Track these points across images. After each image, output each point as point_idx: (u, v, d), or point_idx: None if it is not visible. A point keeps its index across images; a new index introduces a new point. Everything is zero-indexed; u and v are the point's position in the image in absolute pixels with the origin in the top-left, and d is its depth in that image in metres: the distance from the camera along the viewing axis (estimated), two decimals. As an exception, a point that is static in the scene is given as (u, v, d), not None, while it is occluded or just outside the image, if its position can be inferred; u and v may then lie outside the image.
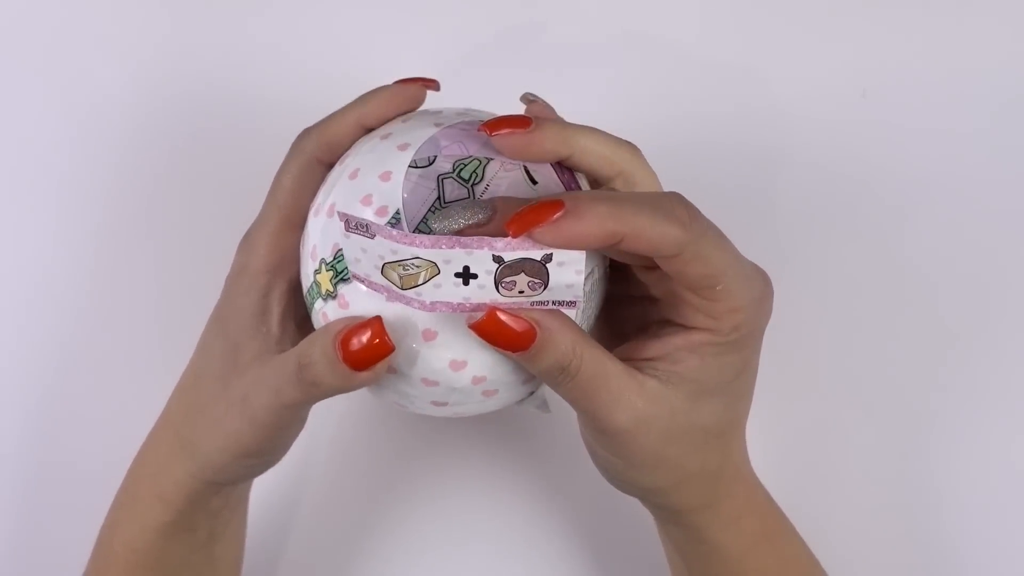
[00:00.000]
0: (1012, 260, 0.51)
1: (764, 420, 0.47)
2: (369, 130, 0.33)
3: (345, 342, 0.29)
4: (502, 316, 0.28)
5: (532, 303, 0.28)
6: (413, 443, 0.47)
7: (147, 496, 0.36)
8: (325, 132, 0.33)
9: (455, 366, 0.30)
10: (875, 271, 0.51)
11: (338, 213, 0.27)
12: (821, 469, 0.48)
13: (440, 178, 0.30)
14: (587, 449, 0.34)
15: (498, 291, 0.27)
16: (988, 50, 0.54)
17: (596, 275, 0.32)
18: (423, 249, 0.26)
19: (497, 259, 0.26)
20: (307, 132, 0.34)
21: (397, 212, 0.29)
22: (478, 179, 0.30)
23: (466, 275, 0.27)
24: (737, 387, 0.33)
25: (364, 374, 0.29)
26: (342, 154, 0.33)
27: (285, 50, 0.53)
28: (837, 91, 0.54)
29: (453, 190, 0.29)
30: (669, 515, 0.36)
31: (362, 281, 0.28)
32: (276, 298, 0.34)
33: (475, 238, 0.26)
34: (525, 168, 0.31)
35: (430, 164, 0.30)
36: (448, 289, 0.27)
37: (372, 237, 0.27)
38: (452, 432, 0.48)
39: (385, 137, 0.32)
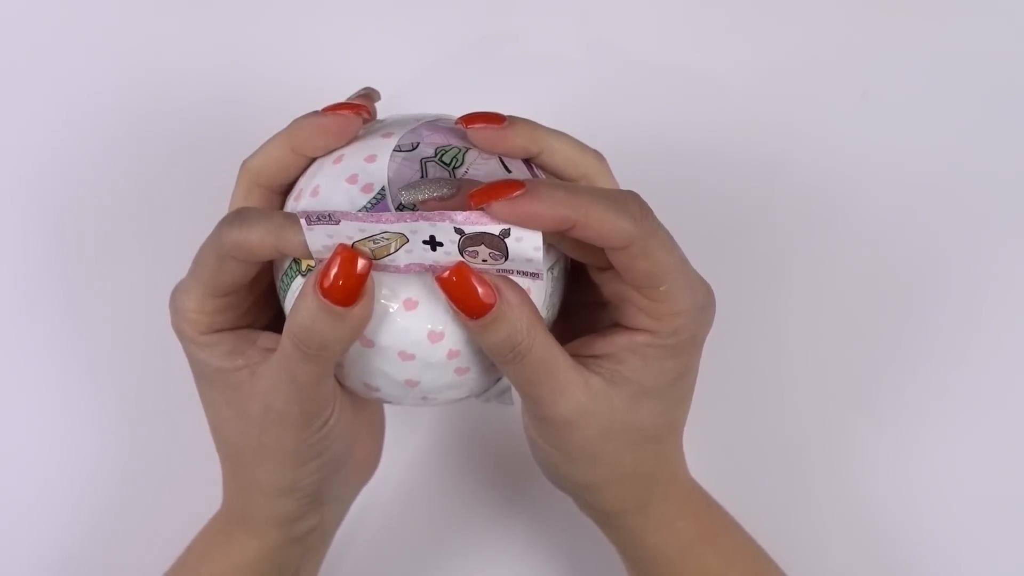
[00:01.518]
0: (1012, 260, 0.51)
1: (763, 419, 0.49)
2: (306, 157, 0.33)
3: (324, 283, 0.28)
4: (471, 274, 0.29)
5: (498, 270, 0.29)
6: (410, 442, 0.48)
7: (241, 536, 0.36)
8: (260, 156, 0.33)
9: (433, 337, 0.31)
10: (875, 271, 0.51)
11: (298, 213, 0.28)
12: (818, 470, 0.48)
13: (423, 161, 0.31)
14: (528, 440, 0.35)
15: (463, 257, 0.28)
16: (988, 50, 0.54)
17: (556, 272, 0.33)
18: (389, 224, 0.27)
19: (458, 231, 0.27)
20: (245, 160, 0.33)
21: (382, 189, 0.30)
22: (458, 164, 0.31)
23: (433, 243, 0.28)
24: (675, 393, 0.34)
25: (358, 308, 0.29)
26: (281, 179, 0.33)
27: (263, 56, 0.53)
28: (837, 91, 0.54)
29: (435, 172, 0.31)
30: (602, 516, 0.37)
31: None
32: (230, 340, 0.33)
33: (436, 212, 0.27)
34: (500, 159, 0.32)
35: (413, 149, 0.31)
36: (419, 253, 0.28)
37: (337, 223, 0.27)
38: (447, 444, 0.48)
39: (353, 150, 0.32)
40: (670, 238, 0.31)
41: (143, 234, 0.51)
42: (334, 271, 0.28)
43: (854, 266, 0.51)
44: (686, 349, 0.32)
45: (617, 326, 0.33)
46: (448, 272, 0.29)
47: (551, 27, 0.55)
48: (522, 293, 0.30)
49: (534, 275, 0.29)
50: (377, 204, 0.30)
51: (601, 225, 0.29)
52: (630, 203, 0.30)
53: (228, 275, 0.32)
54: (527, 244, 0.28)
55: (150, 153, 0.52)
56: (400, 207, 0.30)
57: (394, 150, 0.31)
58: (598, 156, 0.33)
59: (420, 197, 0.29)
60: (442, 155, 0.31)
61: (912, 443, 0.48)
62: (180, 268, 0.34)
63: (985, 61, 0.54)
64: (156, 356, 0.47)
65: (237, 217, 0.30)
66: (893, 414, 0.49)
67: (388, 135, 0.32)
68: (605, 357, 0.32)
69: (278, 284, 0.33)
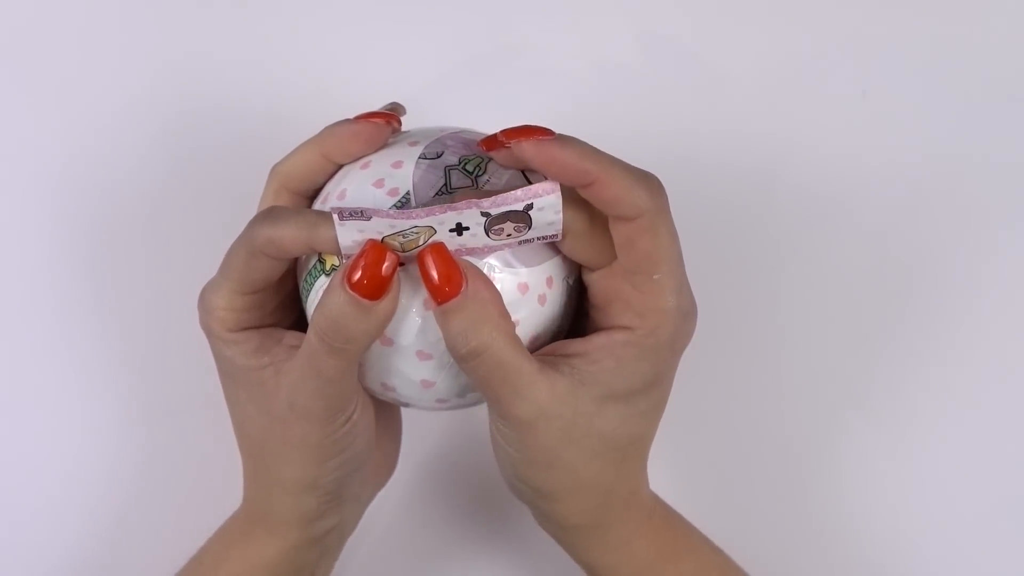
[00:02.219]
0: (1012, 259, 0.51)
1: (763, 419, 0.49)
2: (336, 164, 0.34)
3: (352, 277, 0.29)
4: (442, 254, 0.29)
5: (519, 242, 0.30)
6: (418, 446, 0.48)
7: (262, 535, 0.36)
8: (290, 161, 0.34)
9: None
10: (874, 271, 0.51)
11: (330, 208, 0.29)
12: (816, 474, 0.48)
13: (447, 169, 0.32)
14: (491, 441, 0.35)
15: (488, 237, 0.29)
16: (988, 50, 0.54)
17: (571, 281, 0.34)
18: (419, 219, 0.28)
19: (485, 214, 0.28)
20: (275, 165, 0.34)
21: (407, 193, 0.31)
22: (481, 172, 0.32)
23: (459, 229, 0.29)
24: (644, 401, 0.33)
25: (384, 302, 0.29)
26: (309, 183, 0.34)
27: (270, 64, 0.54)
28: (837, 91, 0.54)
29: (459, 179, 0.32)
30: (559, 531, 0.36)
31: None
32: (256, 338, 0.33)
33: (463, 201, 0.28)
34: (522, 172, 0.33)
35: (438, 157, 0.33)
36: (446, 242, 0.29)
37: (368, 219, 0.28)
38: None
39: (379, 157, 0.33)
40: (675, 231, 0.31)
41: (165, 236, 0.51)
42: (362, 265, 0.29)
43: (854, 266, 0.51)
44: (662, 353, 0.32)
45: (597, 331, 0.32)
46: (427, 250, 0.29)
47: (556, 38, 0.55)
48: (493, 291, 0.30)
49: (554, 237, 0.30)
50: (402, 207, 0.31)
51: (619, 187, 0.29)
52: (649, 177, 0.30)
53: (258, 272, 0.32)
54: (548, 209, 0.29)
55: (173, 157, 0.52)
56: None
57: (419, 157, 0.32)
58: (653, 189, 0.31)
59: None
60: (465, 164, 0.32)
61: (909, 444, 0.48)
62: (201, 268, 0.34)
63: (985, 61, 0.54)
64: (175, 355, 0.48)
65: (269, 215, 0.31)
66: (892, 416, 0.49)
67: (414, 143, 0.33)
68: (578, 356, 0.32)
69: (301, 284, 0.33)
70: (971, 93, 0.54)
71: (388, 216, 0.28)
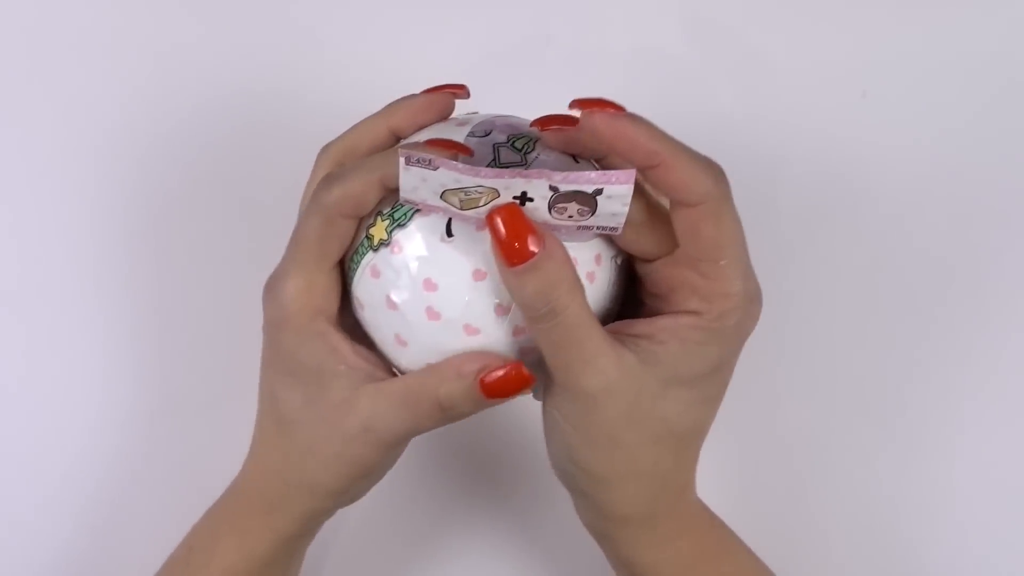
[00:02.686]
0: (1013, 260, 0.51)
1: (764, 419, 0.49)
2: (398, 138, 0.34)
3: (485, 382, 0.31)
4: (517, 214, 0.29)
5: (579, 227, 0.30)
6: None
7: (257, 528, 0.36)
8: (347, 189, 0.31)
9: (500, 311, 0.31)
10: (875, 271, 0.51)
11: (399, 149, 0.28)
12: (817, 474, 0.48)
13: (496, 145, 0.32)
14: (545, 422, 0.34)
15: (550, 214, 0.29)
16: (989, 49, 0.54)
17: (619, 261, 0.34)
18: (486, 179, 0.28)
19: (553, 188, 0.28)
20: (328, 184, 0.32)
21: None
22: (529, 149, 0.32)
23: (523, 198, 0.28)
24: (708, 387, 0.33)
25: (500, 399, 0.31)
26: (365, 210, 0.32)
27: (301, 57, 0.53)
28: (837, 91, 0.54)
29: (507, 155, 0.32)
30: (605, 523, 0.35)
31: (417, 205, 0.30)
32: (333, 336, 0.33)
33: (535, 170, 0.28)
34: (571, 154, 0.34)
35: (487, 135, 0.33)
36: None
37: (435, 169, 0.28)
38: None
39: (427, 136, 0.34)
40: (739, 217, 0.31)
41: (170, 234, 0.50)
42: (500, 373, 0.31)
43: (854, 266, 0.51)
44: (729, 338, 0.31)
45: (661, 314, 0.32)
46: (499, 210, 0.29)
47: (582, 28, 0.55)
48: (567, 254, 0.30)
49: (613, 229, 0.30)
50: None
51: (684, 171, 0.29)
52: (712, 163, 0.30)
53: (336, 239, 0.32)
54: (616, 200, 0.28)
55: (180, 167, 0.51)
56: None
57: (468, 135, 0.33)
58: (719, 180, 0.31)
59: None
60: (514, 141, 0.32)
61: (918, 443, 0.48)
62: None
63: (985, 61, 0.54)
64: (171, 356, 0.48)
65: (330, 177, 0.31)
66: (895, 413, 0.49)
67: (462, 124, 0.34)
68: (644, 337, 0.31)
69: (347, 264, 0.33)
70: (971, 93, 0.54)
71: (455, 169, 0.27)
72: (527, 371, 0.31)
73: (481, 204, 0.29)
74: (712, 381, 0.33)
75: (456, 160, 0.28)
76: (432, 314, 0.31)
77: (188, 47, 0.53)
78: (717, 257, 0.30)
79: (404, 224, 0.31)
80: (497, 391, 0.31)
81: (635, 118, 0.29)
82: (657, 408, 0.31)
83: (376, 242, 0.32)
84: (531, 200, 0.28)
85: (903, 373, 0.50)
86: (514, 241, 0.29)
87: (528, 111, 0.34)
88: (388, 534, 0.47)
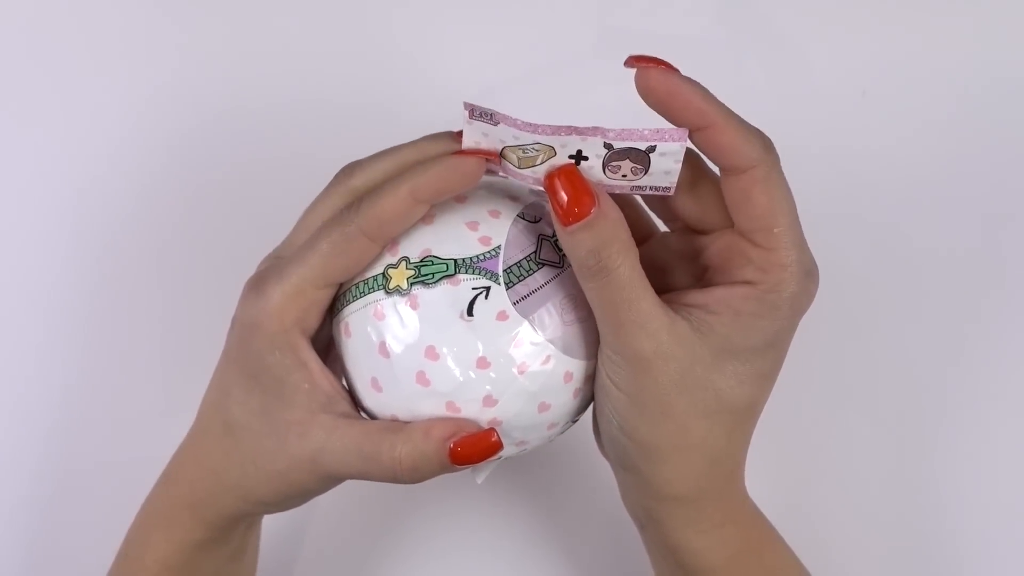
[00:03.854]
0: (1012, 259, 0.51)
1: (767, 422, 0.49)
2: (419, 203, 0.31)
3: (454, 451, 0.30)
4: (573, 175, 0.29)
5: (632, 187, 0.30)
6: None
7: (187, 520, 0.36)
8: (375, 207, 0.30)
9: (488, 401, 0.31)
10: (874, 271, 0.51)
11: (464, 103, 0.28)
12: (823, 473, 0.48)
13: (540, 237, 0.32)
14: (596, 392, 0.33)
15: (604, 173, 0.29)
16: (988, 49, 0.54)
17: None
18: (543, 136, 0.28)
19: (607, 146, 0.28)
20: (356, 206, 0.31)
21: (498, 247, 0.31)
22: None
23: (578, 157, 0.29)
24: (761, 363, 0.31)
25: (466, 467, 0.31)
26: (386, 233, 0.31)
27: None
28: (837, 91, 0.54)
29: (547, 252, 0.32)
30: (651, 503, 0.34)
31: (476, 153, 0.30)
32: (305, 351, 0.32)
33: (589, 127, 0.28)
34: None
35: (536, 222, 0.33)
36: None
37: (496, 124, 0.28)
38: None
39: (477, 196, 0.33)
40: (789, 186, 0.31)
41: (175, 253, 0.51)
42: (471, 444, 0.30)
43: (854, 265, 0.51)
44: (784, 312, 0.30)
45: (717, 284, 0.31)
46: (557, 171, 0.29)
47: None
48: (621, 216, 0.30)
49: (666, 189, 0.30)
50: (489, 259, 0.31)
51: (734, 135, 0.29)
52: (762, 133, 0.30)
53: (347, 259, 0.31)
54: (669, 157, 0.29)
55: (182, 169, 0.52)
56: (508, 271, 0.31)
57: (518, 215, 0.32)
58: (769, 147, 0.31)
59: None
60: (557, 240, 0.31)
61: (918, 442, 0.48)
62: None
63: (985, 61, 0.54)
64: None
65: (360, 198, 0.31)
66: (890, 411, 0.49)
67: (514, 198, 0.33)
68: (697, 307, 0.31)
69: (348, 287, 0.32)
70: (971, 93, 0.54)
71: (515, 126, 0.28)
72: (497, 439, 0.30)
73: (538, 162, 0.29)
74: (765, 356, 0.31)
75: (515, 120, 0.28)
76: (422, 379, 0.31)
77: (185, 48, 0.53)
78: (770, 224, 0.30)
79: (429, 284, 0.30)
80: (465, 457, 0.30)
81: (689, 78, 0.29)
82: (710, 379, 0.31)
83: (392, 286, 0.31)
84: (586, 159, 0.29)
85: (902, 373, 0.49)
86: (571, 201, 0.29)
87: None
88: (387, 532, 0.47)
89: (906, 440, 0.48)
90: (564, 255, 0.32)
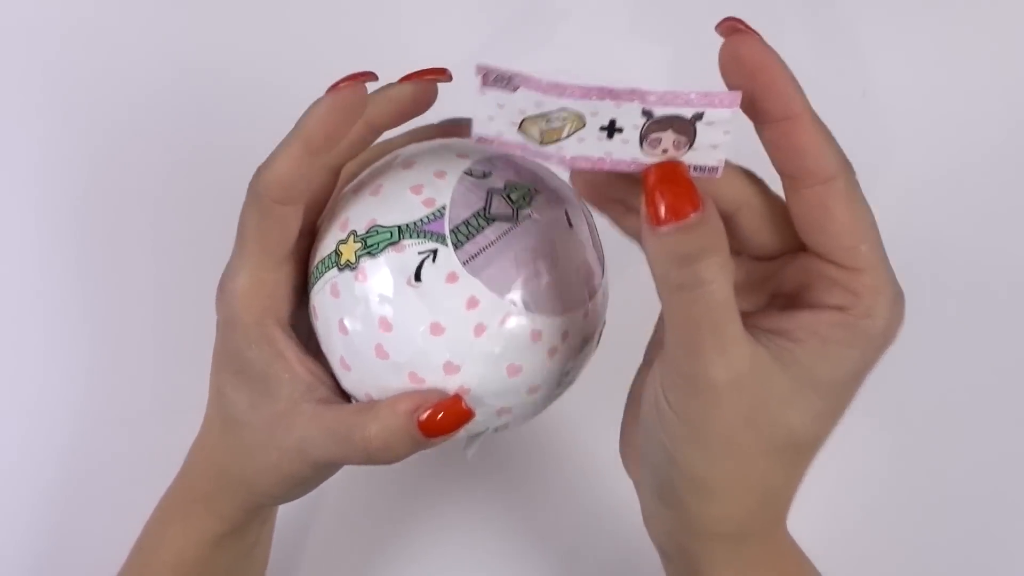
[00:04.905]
0: (1012, 259, 0.51)
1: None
2: (377, 134, 0.31)
3: (423, 423, 0.29)
4: (677, 172, 0.25)
5: None
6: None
7: (202, 514, 0.36)
8: (273, 170, 0.30)
9: (450, 369, 0.30)
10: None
11: (477, 66, 0.24)
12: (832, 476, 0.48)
13: (490, 191, 0.31)
14: (643, 415, 0.29)
15: (641, 148, 0.25)
16: (987, 50, 0.54)
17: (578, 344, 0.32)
18: (571, 100, 0.24)
19: (646, 113, 0.24)
20: (257, 172, 0.31)
21: (442, 207, 0.30)
22: (523, 205, 0.31)
23: (611, 128, 0.25)
24: (839, 398, 0.28)
25: (440, 438, 0.29)
26: (295, 193, 0.30)
27: (286, 46, 0.53)
28: (837, 91, 0.54)
29: (499, 206, 0.30)
30: (690, 540, 0.30)
31: (488, 142, 0.26)
32: (281, 341, 0.32)
33: (626, 89, 0.24)
34: (566, 212, 0.32)
35: (484, 177, 0.31)
36: (591, 143, 0.25)
37: (514, 91, 0.24)
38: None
39: (424, 159, 0.32)
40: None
41: (156, 234, 0.51)
42: (441, 414, 0.29)
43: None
44: (875, 340, 0.27)
45: (800, 308, 0.28)
46: (658, 166, 0.25)
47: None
48: (722, 225, 0.25)
49: (713, 170, 0.26)
50: (433, 221, 0.30)
51: (819, 137, 0.25)
52: (835, 139, 0.26)
53: (275, 232, 0.30)
54: (718, 128, 0.25)
55: (176, 159, 0.52)
56: (455, 231, 0.29)
57: (464, 172, 0.31)
58: (846, 157, 0.27)
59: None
60: (510, 191, 0.31)
61: (919, 444, 0.49)
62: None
63: (984, 61, 0.54)
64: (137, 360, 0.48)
65: (260, 167, 0.30)
66: (892, 414, 0.49)
67: (462, 156, 0.32)
68: (779, 333, 0.27)
69: (312, 268, 0.32)
70: (971, 93, 0.54)
71: (539, 88, 0.24)
72: (466, 406, 0.29)
73: (564, 135, 0.25)
74: (845, 391, 0.28)
75: (534, 79, 0.24)
76: (381, 352, 0.30)
77: (172, 38, 0.53)
78: (856, 243, 0.26)
79: (374, 254, 0.30)
80: (436, 428, 0.29)
81: (781, 59, 0.26)
82: (784, 415, 0.27)
83: (343, 262, 0.31)
84: (620, 131, 0.25)
85: (903, 371, 0.49)
86: (669, 197, 0.24)
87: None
88: (386, 531, 0.48)
89: (904, 439, 0.49)
90: (518, 207, 0.30)
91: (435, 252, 0.29)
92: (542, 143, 0.25)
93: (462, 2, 0.54)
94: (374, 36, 0.53)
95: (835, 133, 0.54)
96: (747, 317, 0.27)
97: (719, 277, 0.25)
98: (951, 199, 0.52)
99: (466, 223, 0.30)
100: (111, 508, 0.45)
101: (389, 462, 0.30)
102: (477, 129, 0.25)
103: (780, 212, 0.28)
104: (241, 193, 0.30)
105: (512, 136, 0.25)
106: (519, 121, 0.25)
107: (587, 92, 0.24)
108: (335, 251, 0.31)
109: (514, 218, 0.30)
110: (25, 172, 0.51)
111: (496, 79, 0.24)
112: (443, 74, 0.31)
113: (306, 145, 0.29)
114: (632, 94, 0.24)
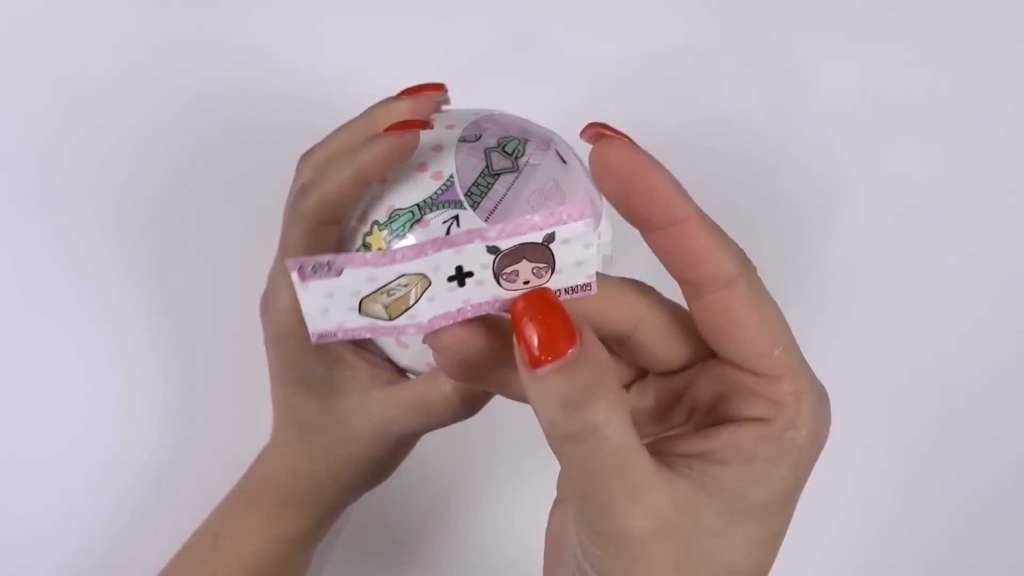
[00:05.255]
0: (1012, 259, 0.51)
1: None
2: (363, 184, 0.32)
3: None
4: (544, 300, 0.22)
5: None
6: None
7: (291, 515, 0.38)
8: (323, 194, 0.32)
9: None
10: (874, 271, 0.51)
11: (287, 264, 0.22)
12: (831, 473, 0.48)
13: (487, 151, 0.33)
14: (567, 570, 0.25)
15: (500, 285, 0.23)
16: (987, 50, 0.54)
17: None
18: (407, 263, 0.22)
19: (492, 249, 0.22)
20: (305, 193, 0.32)
21: (451, 177, 0.32)
22: (520, 154, 0.33)
23: (460, 276, 0.22)
24: (776, 520, 0.25)
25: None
26: (339, 215, 0.33)
27: (288, 56, 0.53)
28: (837, 91, 0.54)
29: (499, 161, 0.33)
30: None
31: (331, 337, 0.23)
32: (334, 345, 0.35)
33: (463, 232, 0.22)
34: (557, 151, 0.34)
35: (477, 139, 0.33)
36: (443, 299, 0.23)
37: (339, 274, 0.22)
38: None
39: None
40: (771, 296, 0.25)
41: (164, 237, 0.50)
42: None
43: (853, 265, 0.51)
44: (803, 451, 0.24)
45: (715, 426, 0.25)
46: (524, 297, 0.22)
47: (562, 31, 0.55)
48: (607, 356, 0.23)
49: (586, 287, 0.23)
50: (447, 191, 0.32)
51: (712, 238, 0.23)
52: (731, 239, 0.24)
53: (321, 249, 0.33)
54: (575, 244, 0.22)
55: (194, 161, 0.51)
56: (469, 194, 0.31)
57: (459, 140, 0.33)
58: (744, 255, 0.24)
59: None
60: (504, 145, 0.33)
61: (920, 443, 0.49)
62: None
63: (984, 61, 0.54)
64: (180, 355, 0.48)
65: (305, 188, 0.32)
66: (894, 415, 0.49)
67: (450, 127, 0.34)
68: (700, 457, 0.24)
69: None
70: (970, 93, 0.54)
71: (365, 263, 0.21)
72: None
73: (412, 302, 0.22)
74: (781, 511, 0.25)
75: (366, 254, 0.22)
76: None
77: (182, 40, 0.53)
78: (769, 347, 0.23)
79: (403, 235, 0.32)
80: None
81: (656, 162, 0.23)
82: (719, 551, 0.24)
83: (375, 251, 0.31)
84: (470, 275, 0.22)
85: (902, 371, 0.50)
86: (541, 335, 0.22)
87: (519, 108, 0.35)
88: (386, 531, 0.48)
89: (901, 436, 0.49)
90: (516, 158, 0.32)
91: (456, 217, 0.31)
92: (391, 318, 0.23)
93: (450, 26, 0.54)
94: (374, 39, 0.53)
95: (835, 133, 0.54)
96: (660, 444, 0.25)
97: (612, 419, 0.22)
98: (951, 198, 0.52)
99: (476, 184, 0.32)
100: (170, 511, 0.45)
101: (472, 413, 0.33)
102: (313, 327, 0.23)
103: (683, 320, 0.25)
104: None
105: (355, 321, 0.23)
106: (357, 303, 0.22)
107: (420, 249, 0.22)
108: (363, 244, 0.33)
109: (515, 168, 0.33)
110: (81, 176, 0.51)
111: (314, 270, 0.22)
112: (440, 89, 0.34)
113: (358, 176, 0.32)
114: (470, 235, 0.22)
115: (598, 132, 0.23)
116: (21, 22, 0.52)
